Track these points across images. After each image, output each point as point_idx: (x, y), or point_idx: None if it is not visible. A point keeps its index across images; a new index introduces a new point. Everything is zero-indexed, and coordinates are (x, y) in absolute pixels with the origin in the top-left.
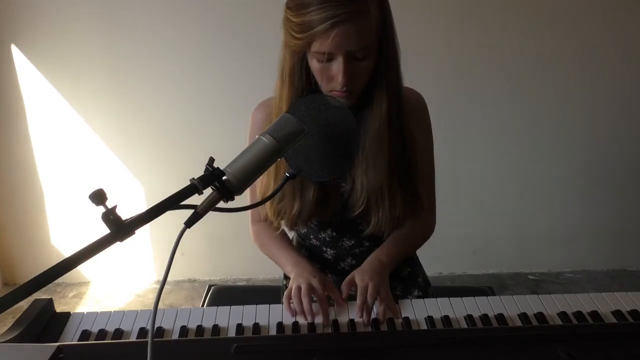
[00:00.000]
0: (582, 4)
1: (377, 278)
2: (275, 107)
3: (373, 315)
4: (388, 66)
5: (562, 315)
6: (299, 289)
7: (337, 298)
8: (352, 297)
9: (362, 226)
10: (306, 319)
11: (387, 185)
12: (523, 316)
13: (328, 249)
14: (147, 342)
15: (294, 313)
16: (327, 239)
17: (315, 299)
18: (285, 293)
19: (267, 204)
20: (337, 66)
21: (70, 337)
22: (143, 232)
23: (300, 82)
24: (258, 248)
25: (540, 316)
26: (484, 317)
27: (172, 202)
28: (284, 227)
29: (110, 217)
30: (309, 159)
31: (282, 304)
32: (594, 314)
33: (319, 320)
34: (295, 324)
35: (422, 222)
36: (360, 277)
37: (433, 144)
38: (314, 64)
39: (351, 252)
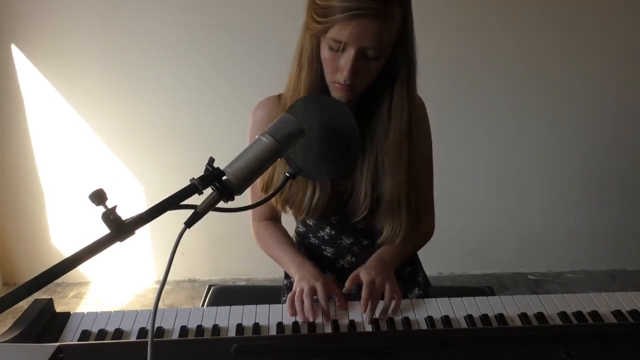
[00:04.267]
0: (581, 5)
1: (382, 274)
2: (291, 92)
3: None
4: (409, 75)
5: (562, 315)
6: (302, 291)
7: (340, 300)
8: (353, 297)
9: (360, 225)
10: (307, 320)
11: (405, 195)
12: (523, 316)
13: (327, 248)
14: (147, 342)
15: (295, 314)
16: (326, 237)
17: (316, 298)
18: (289, 296)
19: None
20: (346, 58)
21: (70, 337)
22: (143, 232)
23: (319, 66)
24: (259, 247)
25: (540, 316)
26: (484, 317)
27: (172, 202)
28: (294, 216)
29: (110, 217)
30: (309, 159)
31: (283, 304)
32: (594, 314)
33: (319, 320)
34: (295, 324)
35: (424, 223)
36: (367, 272)
37: (432, 146)
38: (325, 51)
39: (350, 250)
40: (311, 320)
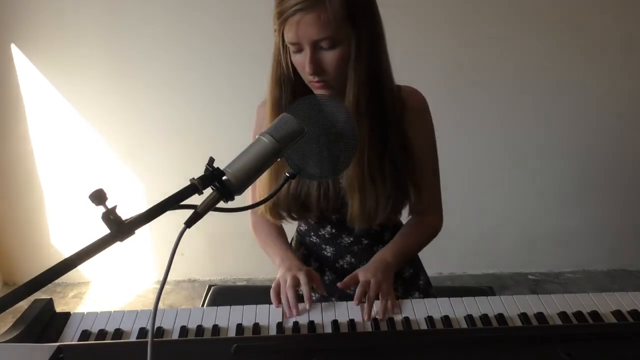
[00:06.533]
0: (584, 5)
1: (379, 275)
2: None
3: (373, 314)
4: (358, 57)
5: (562, 315)
6: (285, 282)
7: (319, 289)
8: (352, 297)
9: None
10: (290, 312)
11: (358, 179)
12: (523, 316)
13: (327, 247)
14: (147, 342)
15: (279, 304)
16: (327, 236)
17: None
18: (273, 285)
19: (260, 191)
20: (305, 56)
21: (70, 337)
22: (143, 232)
23: (279, 72)
24: (255, 239)
25: (540, 316)
26: (484, 317)
27: (172, 202)
28: (287, 218)
29: (110, 217)
30: (309, 158)
31: (305, 298)
32: (594, 314)
33: (318, 319)
34: (296, 324)
35: (428, 221)
36: (364, 273)
37: (435, 142)
38: (293, 57)
39: (350, 249)
40: (295, 314)
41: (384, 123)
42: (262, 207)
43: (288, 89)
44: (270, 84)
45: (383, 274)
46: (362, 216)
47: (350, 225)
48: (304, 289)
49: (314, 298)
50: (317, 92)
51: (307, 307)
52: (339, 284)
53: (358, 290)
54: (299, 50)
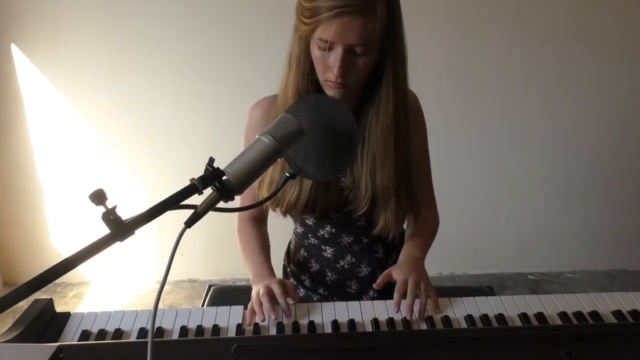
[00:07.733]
0: (582, 5)
1: (415, 273)
2: (281, 92)
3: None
4: (395, 68)
5: (562, 315)
6: (258, 293)
7: (294, 298)
8: (352, 297)
9: (360, 222)
10: (268, 317)
11: (394, 187)
12: (523, 316)
13: (327, 247)
14: (147, 342)
15: (253, 319)
16: (326, 236)
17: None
18: (249, 306)
19: (264, 191)
20: (335, 56)
21: (70, 337)
22: (143, 232)
23: (306, 66)
24: (238, 243)
25: (540, 316)
26: (484, 317)
27: (172, 202)
28: (279, 213)
29: (110, 217)
30: (309, 159)
31: (281, 304)
32: (594, 314)
33: (318, 320)
34: (296, 324)
35: (433, 215)
36: (400, 271)
37: (427, 140)
38: (315, 51)
39: (350, 249)
40: (274, 318)
41: (406, 131)
42: (247, 211)
43: (312, 82)
44: (294, 76)
45: (418, 271)
46: (397, 223)
47: (385, 233)
48: (280, 300)
49: (314, 299)
50: (329, 92)
51: (288, 315)
52: (374, 285)
53: (396, 295)
54: (328, 48)
